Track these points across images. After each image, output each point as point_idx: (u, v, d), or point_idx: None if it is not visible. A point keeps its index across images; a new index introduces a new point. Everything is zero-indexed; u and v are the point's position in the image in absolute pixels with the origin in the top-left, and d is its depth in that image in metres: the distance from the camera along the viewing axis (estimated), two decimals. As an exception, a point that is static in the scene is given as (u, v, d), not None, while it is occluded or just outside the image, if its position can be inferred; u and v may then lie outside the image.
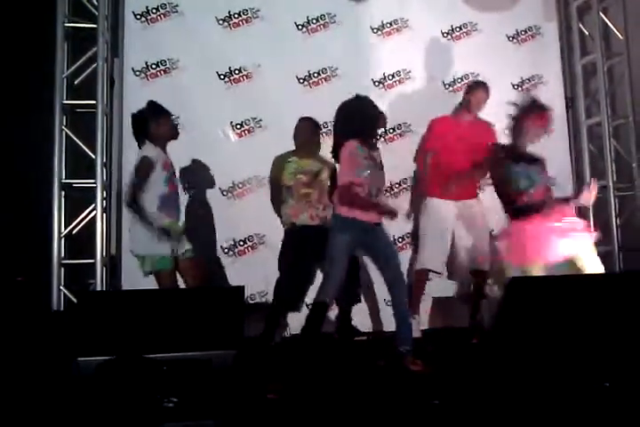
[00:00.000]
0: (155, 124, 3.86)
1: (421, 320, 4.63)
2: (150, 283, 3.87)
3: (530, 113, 3.96)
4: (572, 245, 3.90)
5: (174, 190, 3.91)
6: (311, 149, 4.52)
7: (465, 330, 4.52)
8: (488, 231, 4.56)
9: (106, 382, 2.51)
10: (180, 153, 4.49)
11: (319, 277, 4.29)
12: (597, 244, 3.99)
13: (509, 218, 4.01)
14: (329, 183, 4.44)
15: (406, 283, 4.08)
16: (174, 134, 4.01)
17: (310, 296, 4.30)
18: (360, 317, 4.73)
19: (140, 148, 3.90)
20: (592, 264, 3.87)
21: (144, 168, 3.77)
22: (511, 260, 3.92)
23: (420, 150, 4.88)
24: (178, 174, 4.15)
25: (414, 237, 4.87)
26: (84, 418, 2.44)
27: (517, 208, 3.97)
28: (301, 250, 4.29)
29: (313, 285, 4.39)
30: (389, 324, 4.61)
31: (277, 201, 4.51)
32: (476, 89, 4.58)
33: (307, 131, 4.52)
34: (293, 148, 4.56)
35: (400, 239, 5.05)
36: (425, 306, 4.82)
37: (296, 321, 4.57)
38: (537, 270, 3.89)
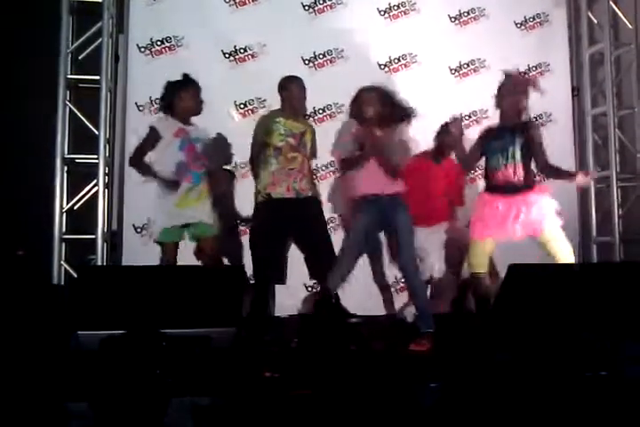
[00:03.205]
0: (177, 96, 3.94)
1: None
2: (151, 259, 3.89)
3: (504, 85, 3.99)
4: (530, 227, 3.92)
5: (192, 158, 3.91)
6: (298, 111, 4.40)
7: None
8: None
9: (107, 356, 2.53)
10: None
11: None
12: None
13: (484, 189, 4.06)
14: (310, 147, 4.35)
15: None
16: (196, 111, 4.02)
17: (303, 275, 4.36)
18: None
19: None
20: (558, 249, 3.88)
21: (148, 136, 3.89)
22: (472, 232, 3.97)
23: None
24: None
25: None
26: (83, 391, 2.46)
27: (490, 185, 4.00)
28: (276, 224, 4.17)
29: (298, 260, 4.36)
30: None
31: (258, 162, 4.35)
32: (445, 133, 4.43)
33: (299, 91, 4.37)
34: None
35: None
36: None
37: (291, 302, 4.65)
38: (487, 246, 3.93)
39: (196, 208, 3.86)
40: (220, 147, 4.78)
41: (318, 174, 4.95)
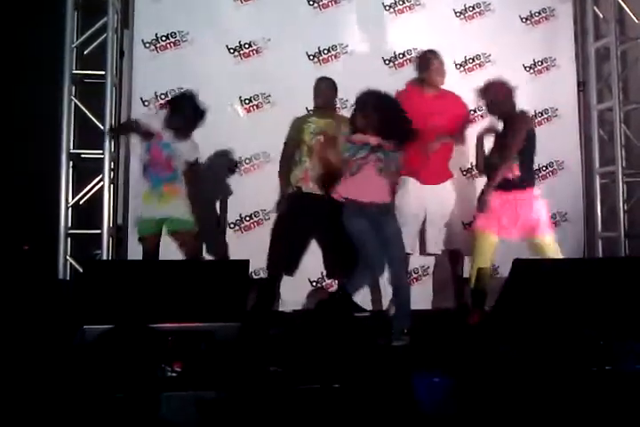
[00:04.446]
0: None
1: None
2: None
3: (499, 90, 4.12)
4: (527, 231, 3.98)
5: (157, 159, 4.03)
6: (330, 110, 4.50)
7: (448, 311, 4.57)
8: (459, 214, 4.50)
9: (108, 350, 2.54)
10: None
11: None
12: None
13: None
14: None
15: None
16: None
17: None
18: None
19: None
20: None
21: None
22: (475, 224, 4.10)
23: None
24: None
25: None
26: (86, 386, 2.47)
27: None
28: (303, 218, 4.25)
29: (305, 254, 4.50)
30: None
31: (287, 161, 4.42)
32: (430, 62, 4.41)
33: (328, 91, 4.50)
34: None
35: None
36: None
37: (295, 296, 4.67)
38: (485, 241, 4.00)
39: (164, 207, 4.00)
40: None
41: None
